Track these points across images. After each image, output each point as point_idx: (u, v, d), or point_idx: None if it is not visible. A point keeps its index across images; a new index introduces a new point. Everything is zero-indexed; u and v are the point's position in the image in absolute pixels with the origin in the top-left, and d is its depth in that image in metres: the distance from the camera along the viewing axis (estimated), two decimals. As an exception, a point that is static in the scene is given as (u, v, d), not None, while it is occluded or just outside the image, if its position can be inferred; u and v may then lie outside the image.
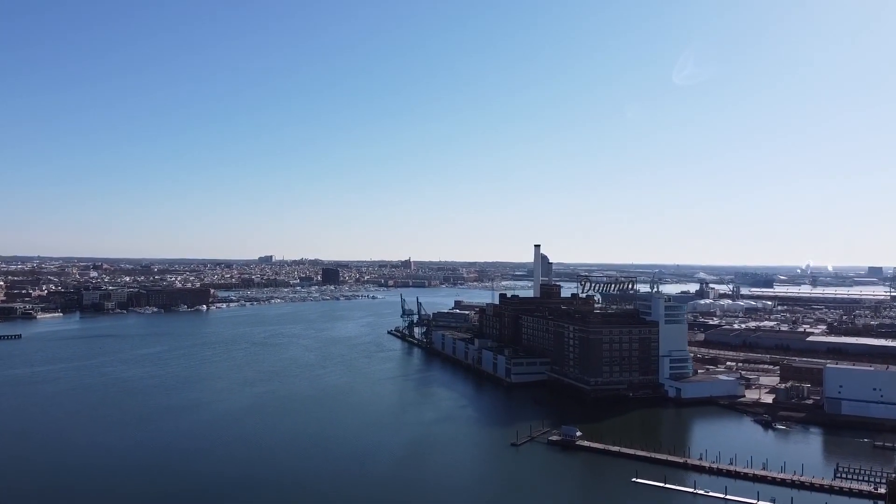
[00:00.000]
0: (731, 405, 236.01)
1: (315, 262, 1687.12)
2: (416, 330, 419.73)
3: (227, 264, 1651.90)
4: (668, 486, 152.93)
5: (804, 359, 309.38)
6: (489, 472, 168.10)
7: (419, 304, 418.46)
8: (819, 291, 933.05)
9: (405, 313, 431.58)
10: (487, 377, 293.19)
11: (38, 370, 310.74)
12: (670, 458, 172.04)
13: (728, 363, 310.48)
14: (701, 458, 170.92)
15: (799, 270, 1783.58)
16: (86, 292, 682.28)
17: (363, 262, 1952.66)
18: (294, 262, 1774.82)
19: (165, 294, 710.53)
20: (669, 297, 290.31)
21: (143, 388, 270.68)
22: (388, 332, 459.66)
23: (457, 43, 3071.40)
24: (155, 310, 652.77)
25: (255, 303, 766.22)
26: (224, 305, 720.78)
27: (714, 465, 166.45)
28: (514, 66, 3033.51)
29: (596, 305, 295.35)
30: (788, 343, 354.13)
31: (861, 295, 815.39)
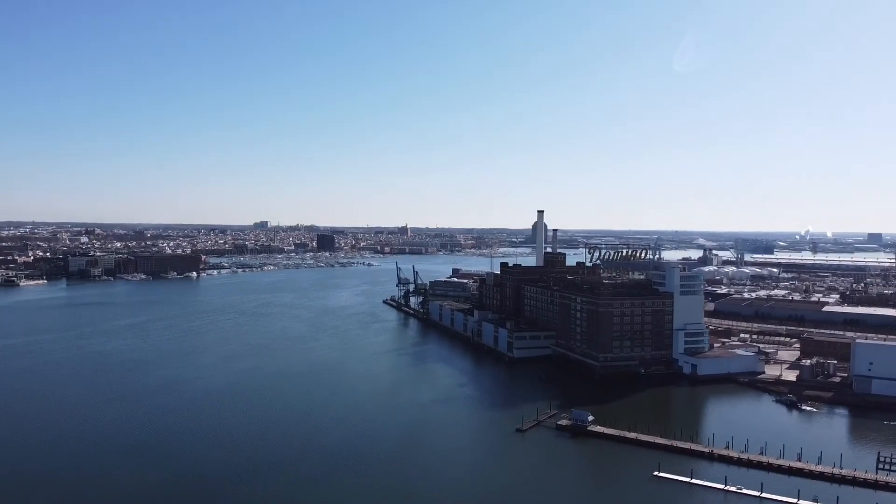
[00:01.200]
0: (751, 383, 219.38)
1: (311, 229, 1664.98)
2: (413, 299, 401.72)
3: (222, 230, 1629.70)
4: (694, 481, 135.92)
5: (822, 331, 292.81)
6: (493, 462, 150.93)
7: (415, 272, 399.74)
8: (822, 258, 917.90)
9: (401, 282, 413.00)
10: (488, 351, 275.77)
11: (11, 343, 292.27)
12: (693, 447, 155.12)
13: (742, 335, 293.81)
14: (728, 447, 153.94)
15: (798, 237, 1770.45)
16: (72, 259, 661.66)
17: (360, 228, 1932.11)
18: (289, 228, 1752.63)
19: (154, 260, 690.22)
20: (684, 266, 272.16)
21: (120, 363, 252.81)
22: (384, 302, 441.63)
23: (458, 7, 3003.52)
24: (143, 277, 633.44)
25: (248, 269, 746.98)
26: (215, 272, 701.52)
27: (744, 456, 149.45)
28: (516, 32, 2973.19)
29: (602, 275, 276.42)
30: (803, 314, 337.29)
31: (865, 262, 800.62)
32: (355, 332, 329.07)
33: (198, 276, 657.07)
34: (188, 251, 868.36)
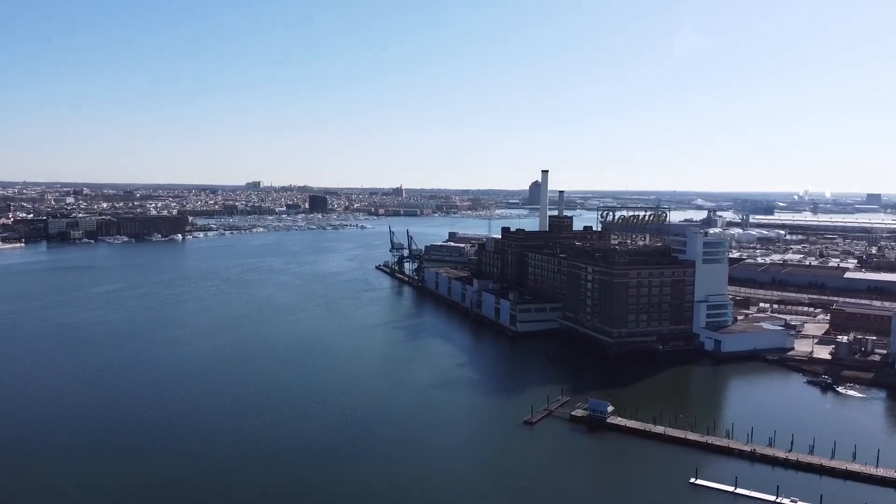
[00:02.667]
0: (780, 361, 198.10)
1: (304, 189, 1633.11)
2: (407, 265, 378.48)
3: (213, 190, 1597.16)
4: (740, 491, 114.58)
5: (849, 300, 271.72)
6: (499, 463, 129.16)
7: (410, 237, 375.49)
8: (824, 219, 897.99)
9: (394, 247, 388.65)
10: (488, 324, 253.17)
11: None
12: (733, 444, 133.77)
13: (761, 305, 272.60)
14: (771, 445, 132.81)
15: (796, 197, 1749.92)
16: (52, 220, 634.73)
17: (354, 189, 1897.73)
18: (282, 188, 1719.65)
19: (138, 222, 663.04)
20: (706, 232, 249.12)
21: (86, 337, 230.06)
22: (377, 268, 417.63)
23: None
24: (126, 239, 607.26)
25: (236, 232, 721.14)
26: (201, 234, 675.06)
27: (791, 457, 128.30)
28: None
29: (613, 241, 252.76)
30: (824, 280, 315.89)
31: (871, 223, 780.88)
32: (346, 301, 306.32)
33: (183, 239, 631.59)
34: (174, 212, 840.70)
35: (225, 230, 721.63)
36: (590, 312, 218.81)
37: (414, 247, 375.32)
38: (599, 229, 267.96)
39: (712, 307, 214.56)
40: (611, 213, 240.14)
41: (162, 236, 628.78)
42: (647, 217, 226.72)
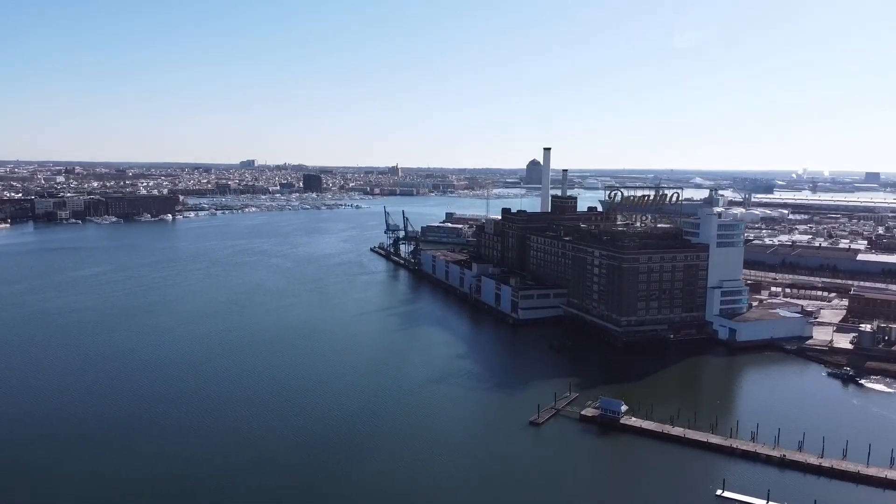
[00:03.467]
0: (799, 351, 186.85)
1: (298, 168, 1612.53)
2: (403, 248, 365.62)
3: (206, 169, 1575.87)
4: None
5: (864, 283, 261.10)
6: (503, 468, 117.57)
7: (405, 218, 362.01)
8: (829, 198, 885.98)
9: (389, 229, 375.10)
10: (488, 311, 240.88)
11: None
12: (759, 449, 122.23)
13: (773, 289, 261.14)
14: (801, 449, 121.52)
15: (794, 175, 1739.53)
16: (39, 200, 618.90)
17: (349, 168, 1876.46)
18: (276, 167, 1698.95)
19: (127, 202, 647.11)
20: (720, 213, 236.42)
21: (63, 326, 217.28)
22: (371, 250, 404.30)
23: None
24: (114, 220, 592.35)
25: (228, 211, 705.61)
26: (192, 214, 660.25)
27: (825, 463, 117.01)
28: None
29: (618, 223, 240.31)
30: (835, 263, 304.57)
31: (874, 202, 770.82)
32: (339, 286, 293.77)
33: (173, 219, 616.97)
34: (165, 191, 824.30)
35: (217, 210, 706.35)
36: (596, 299, 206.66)
37: (410, 228, 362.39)
38: (604, 210, 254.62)
39: (727, 293, 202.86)
40: (619, 193, 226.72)
41: (151, 216, 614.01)
42: (657, 197, 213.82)
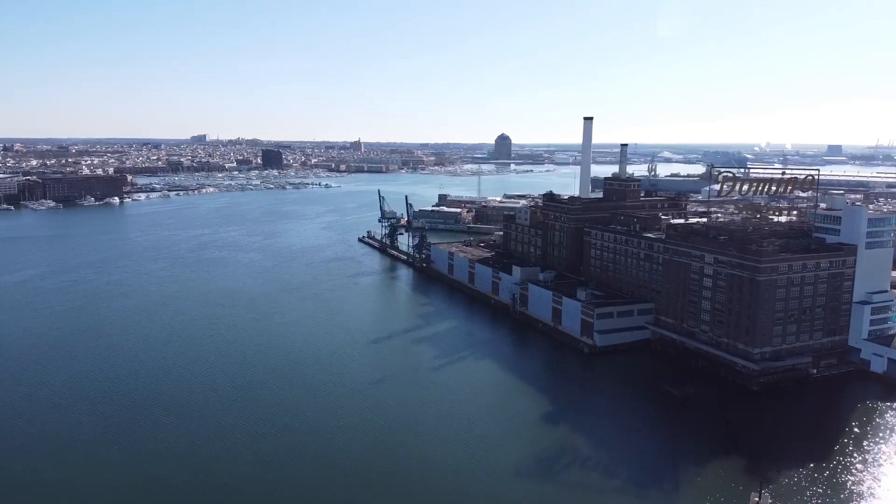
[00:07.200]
0: None
1: (254, 143, 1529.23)
2: (402, 238, 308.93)
3: (155, 144, 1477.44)
4: None
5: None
6: None
7: (409, 204, 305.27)
8: (807, 172, 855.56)
9: (385, 216, 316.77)
10: (542, 331, 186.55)
11: None
12: None
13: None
14: None
15: (757, 149, 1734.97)
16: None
17: (307, 143, 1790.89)
18: (230, 142, 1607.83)
19: (67, 183, 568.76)
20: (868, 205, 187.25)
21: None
22: (359, 240, 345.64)
23: None
24: (52, 204, 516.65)
25: (183, 192, 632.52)
26: (143, 196, 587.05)
27: None
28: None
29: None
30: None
31: (868, 177, 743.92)
32: (336, 292, 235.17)
33: (121, 202, 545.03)
34: (111, 170, 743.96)
35: (170, 191, 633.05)
36: (709, 321, 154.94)
37: (413, 216, 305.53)
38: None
39: (877, 310, 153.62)
40: (729, 173, 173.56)
41: (96, 199, 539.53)
42: (787, 181, 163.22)
